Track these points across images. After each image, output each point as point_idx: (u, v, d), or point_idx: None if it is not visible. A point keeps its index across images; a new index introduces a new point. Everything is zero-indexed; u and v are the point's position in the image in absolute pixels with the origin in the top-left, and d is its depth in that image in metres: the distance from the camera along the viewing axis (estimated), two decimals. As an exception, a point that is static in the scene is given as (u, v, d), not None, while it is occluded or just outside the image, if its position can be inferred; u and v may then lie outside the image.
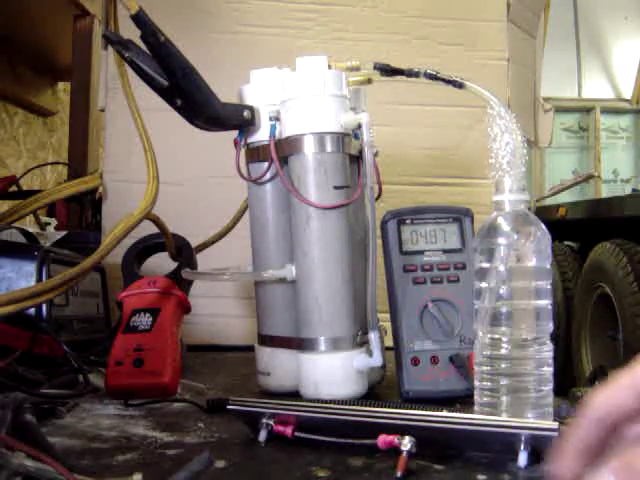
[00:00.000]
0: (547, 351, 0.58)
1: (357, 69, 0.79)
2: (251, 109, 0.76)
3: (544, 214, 2.82)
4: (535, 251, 0.58)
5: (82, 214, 1.53)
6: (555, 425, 0.49)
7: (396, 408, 0.54)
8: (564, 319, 2.67)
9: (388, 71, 0.79)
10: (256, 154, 0.78)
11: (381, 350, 0.74)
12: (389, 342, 0.75)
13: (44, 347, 0.81)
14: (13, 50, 1.92)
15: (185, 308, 0.77)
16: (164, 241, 0.84)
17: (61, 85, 2.31)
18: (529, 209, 0.61)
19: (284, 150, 0.73)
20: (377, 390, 0.77)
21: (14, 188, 1.52)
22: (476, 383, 0.60)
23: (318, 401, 0.63)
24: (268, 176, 0.77)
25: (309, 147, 0.72)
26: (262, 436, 0.56)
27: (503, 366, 0.57)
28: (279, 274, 0.75)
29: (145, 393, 0.69)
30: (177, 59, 0.68)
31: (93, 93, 1.82)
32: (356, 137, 0.75)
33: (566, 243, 2.90)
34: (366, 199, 0.75)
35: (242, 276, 0.76)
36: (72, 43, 1.85)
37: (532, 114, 1.49)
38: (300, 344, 0.73)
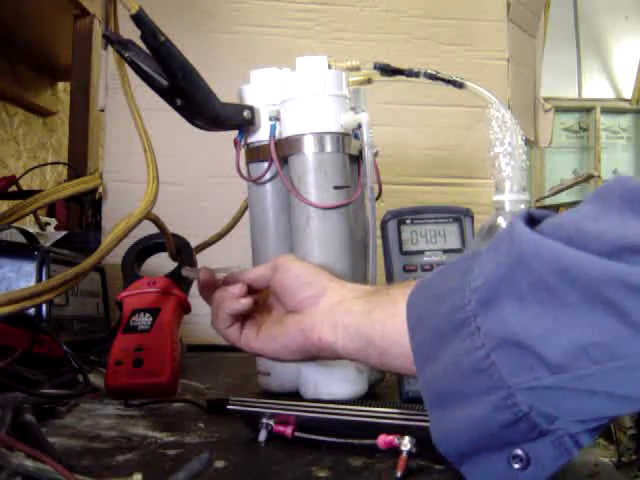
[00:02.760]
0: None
1: (357, 69, 0.79)
2: (251, 109, 0.76)
3: (544, 214, 2.81)
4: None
5: (82, 214, 1.53)
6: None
7: (396, 408, 0.54)
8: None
9: (388, 71, 0.79)
10: (256, 154, 0.78)
11: (381, 350, 0.74)
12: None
13: (44, 347, 0.81)
14: (13, 50, 1.92)
15: (185, 308, 0.77)
16: (164, 241, 0.84)
17: (61, 85, 2.31)
18: (529, 209, 0.61)
19: (284, 150, 0.73)
20: (377, 390, 0.77)
21: (14, 188, 1.52)
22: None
23: (318, 401, 0.63)
24: (268, 176, 0.77)
25: (309, 147, 0.72)
26: (262, 436, 0.56)
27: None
28: (279, 274, 0.75)
29: (145, 393, 0.69)
30: (177, 59, 0.68)
31: (93, 93, 1.82)
32: (356, 137, 0.75)
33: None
34: (366, 199, 0.75)
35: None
36: (72, 43, 1.85)
37: (532, 114, 1.49)
38: (300, 344, 0.73)
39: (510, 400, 0.39)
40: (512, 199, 0.59)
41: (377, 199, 0.77)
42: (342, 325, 0.53)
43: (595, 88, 4.46)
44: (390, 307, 0.50)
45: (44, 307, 0.83)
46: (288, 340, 0.57)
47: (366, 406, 0.55)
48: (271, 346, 0.59)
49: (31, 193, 1.15)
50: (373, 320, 0.50)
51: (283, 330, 0.58)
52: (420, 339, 0.45)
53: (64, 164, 2.02)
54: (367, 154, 0.74)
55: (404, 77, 0.78)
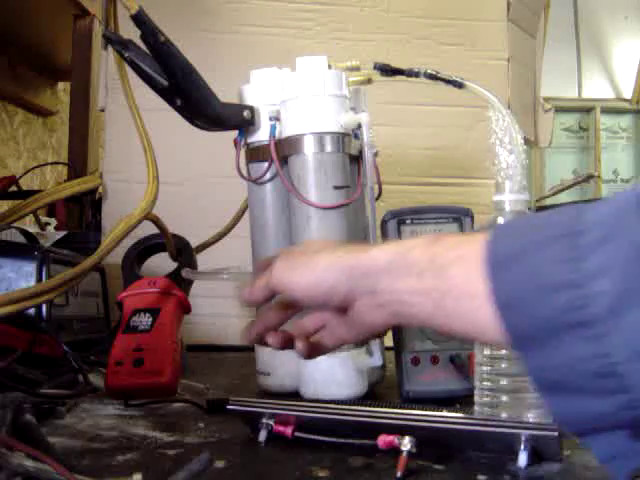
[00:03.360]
0: (547, 351, 0.58)
1: (357, 69, 0.79)
2: (251, 109, 0.76)
3: (544, 214, 2.81)
4: (535, 251, 0.58)
5: (82, 214, 1.53)
6: (555, 425, 0.48)
7: (396, 408, 0.54)
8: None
9: (388, 71, 0.79)
10: (256, 154, 0.78)
11: (381, 350, 0.74)
12: (389, 342, 0.75)
13: (44, 347, 0.81)
14: (13, 50, 1.92)
15: (185, 308, 0.77)
16: (164, 241, 0.84)
17: (61, 85, 2.30)
18: (529, 209, 0.61)
19: (284, 150, 0.73)
20: (377, 390, 0.77)
21: (14, 188, 1.52)
22: (476, 383, 0.60)
23: (318, 401, 0.63)
24: (268, 176, 0.77)
25: (309, 147, 0.72)
26: (262, 436, 0.56)
27: (503, 366, 0.57)
28: (279, 274, 0.75)
29: (145, 393, 0.69)
30: (177, 59, 0.68)
31: (93, 93, 1.82)
32: (356, 137, 0.75)
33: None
34: (366, 199, 0.75)
35: (242, 276, 0.76)
36: (72, 43, 1.85)
37: (532, 114, 1.49)
38: (300, 344, 0.73)
39: (638, 402, 0.37)
40: (512, 199, 0.59)
41: (377, 199, 0.77)
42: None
43: (595, 88, 4.46)
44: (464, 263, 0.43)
45: (44, 307, 0.83)
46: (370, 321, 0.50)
47: (366, 406, 0.55)
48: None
49: (31, 193, 1.15)
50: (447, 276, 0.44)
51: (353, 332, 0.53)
52: (517, 321, 0.42)
53: (64, 164, 2.02)
54: (367, 154, 0.74)
55: (404, 77, 0.78)
